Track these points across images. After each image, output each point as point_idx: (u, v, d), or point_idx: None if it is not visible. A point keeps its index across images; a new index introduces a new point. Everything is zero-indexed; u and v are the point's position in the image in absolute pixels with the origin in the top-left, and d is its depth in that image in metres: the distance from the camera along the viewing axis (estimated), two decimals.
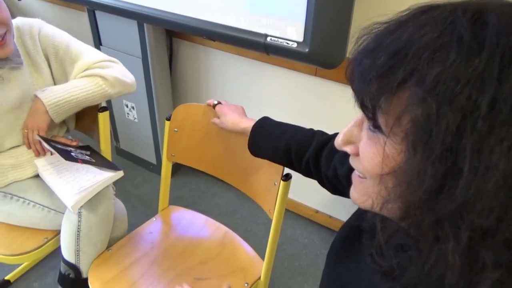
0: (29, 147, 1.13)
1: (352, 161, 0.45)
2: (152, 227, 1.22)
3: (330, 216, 1.75)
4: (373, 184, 0.40)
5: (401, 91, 0.34)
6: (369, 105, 0.36)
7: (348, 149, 0.43)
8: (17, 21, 1.09)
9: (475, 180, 0.30)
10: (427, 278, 0.35)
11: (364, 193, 0.43)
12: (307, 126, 0.82)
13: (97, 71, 1.12)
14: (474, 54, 0.31)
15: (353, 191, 0.46)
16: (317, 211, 1.78)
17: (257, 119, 0.86)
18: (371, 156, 0.39)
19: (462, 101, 0.30)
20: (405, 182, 0.34)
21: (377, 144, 0.38)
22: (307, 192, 1.75)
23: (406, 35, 0.34)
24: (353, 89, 0.39)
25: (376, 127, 0.38)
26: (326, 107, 1.50)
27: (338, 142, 0.44)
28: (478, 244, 0.32)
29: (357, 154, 0.42)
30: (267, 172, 1.00)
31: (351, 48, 0.41)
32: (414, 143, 0.33)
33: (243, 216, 1.84)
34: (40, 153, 1.14)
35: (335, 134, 0.77)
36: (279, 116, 0.91)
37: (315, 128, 0.81)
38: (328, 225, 1.77)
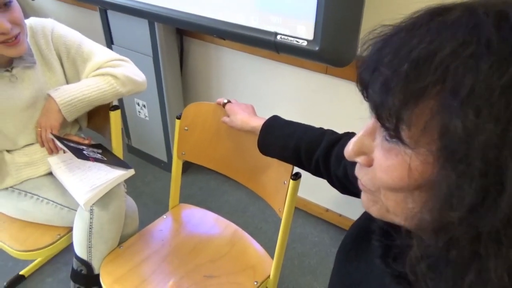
0: (42, 145, 1.15)
1: (360, 172, 0.42)
2: (163, 225, 1.23)
3: (340, 215, 1.74)
4: (390, 196, 0.38)
5: (427, 100, 0.32)
6: (391, 117, 0.34)
7: (359, 160, 0.41)
8: (30, 21, 1.10)
9: None
10: None
11: (374, 202, 0.42)
12: (317, 125, 0.82)
13: (109, 70, 1.13)
14: (507, 60, 0.29)
15: (365, 199, 0.43)
16: (327, 210, 1.77)
17: (267, 118, 0.86)
18: (391, 169, 0.36)
19: (500, 110, 0.29)
20: (440, 198, 0.32)
21: (397, 156, 0.36)
22: (317, 190, 1.74)
23: (427, 41, 0.32)
24: (371, 100, 0.36)
25: (394, 137, 0.35)
26: (336, 105, 1.49)
27: (349, 152, 0.41)
28: None
29: (369, 165, 0.40)
30: (276, 171, 1.00)
31: (359, 52, 0.40)
32: (449, 156, 0.31)
33: (253, 214, 1.84)
34: (53, 151, 1.15)
35: (345, 133, 0.77)
36: (289, 114, 0.91)
37: (325, 127, 0.81)
38: (338, 223, 1.76)
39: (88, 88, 1.11)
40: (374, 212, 0.43)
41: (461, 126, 0.30)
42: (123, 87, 1.15)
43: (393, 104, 0.33)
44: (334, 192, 0.79)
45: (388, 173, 0.37)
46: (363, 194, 0.44)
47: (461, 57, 0.30)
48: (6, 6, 0.93)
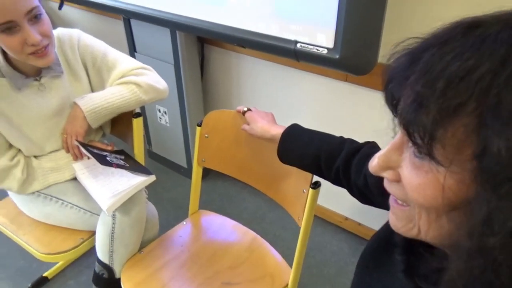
0: (68, 151, 1.18)
1: (390, 187, 0.41)
2: (182, 231, 1.24)
3: (359, 224, 1.72)
4: (422, 213, 0.37)
5: (463, 118, 0.31)
6: (424, 135, 0.33)
7: (386, 175, 0.40)
8: (57, 32, 1.14)
9: None
10: None
11: (408, 221, 0.40)
12: (337, 133, 0.82)
13: (132, 78, 1.16)
14: None
15: (394, 219, 0.42)
16: (346, 218, 1.76)
17: (287, 126, 0.86)
18: (422, 187, 0.35)
19: None
20: (479, 221, 0.31)
21: (427, 173, 0.35)
22: (336, 198, 1.73)
23: (464, 57, 0.31)
24: (401, 116, 0.35)
25: (425, 154, 0.34)
26: (357, 113, 1.48)
27: (374, 167, 0.40)
28: None
29: (397, 181, 0.39)
30: (296, 179, 1.00)
31: (385, 61, 0.38)
32: (489, 178, 0.30)
33: (271, 221, 1.84)
34: (77, 157, 1.19)
35: (366, 143, 0.76)
36: (309, 122, 0.91)
37: (345, 135, 0.80)
38: (357, 232, 1.74)
39: (112, 96, 1.14)
40: (407, 230, 0.41)
41: (504, 148, 0.29)
42: (146, 95, 1.18)
43: (427, 122, 0.32)
44: (354, 200, 0.78)
45: (420, 191, 0.36)
46: (390, 214, 0.42)
47: (503, 75, 0.29)
48: (37, 18, 0.96)
